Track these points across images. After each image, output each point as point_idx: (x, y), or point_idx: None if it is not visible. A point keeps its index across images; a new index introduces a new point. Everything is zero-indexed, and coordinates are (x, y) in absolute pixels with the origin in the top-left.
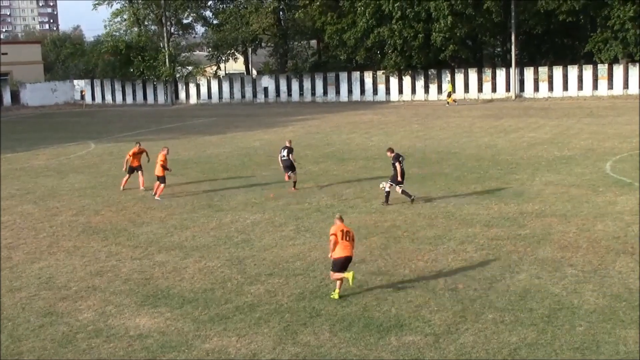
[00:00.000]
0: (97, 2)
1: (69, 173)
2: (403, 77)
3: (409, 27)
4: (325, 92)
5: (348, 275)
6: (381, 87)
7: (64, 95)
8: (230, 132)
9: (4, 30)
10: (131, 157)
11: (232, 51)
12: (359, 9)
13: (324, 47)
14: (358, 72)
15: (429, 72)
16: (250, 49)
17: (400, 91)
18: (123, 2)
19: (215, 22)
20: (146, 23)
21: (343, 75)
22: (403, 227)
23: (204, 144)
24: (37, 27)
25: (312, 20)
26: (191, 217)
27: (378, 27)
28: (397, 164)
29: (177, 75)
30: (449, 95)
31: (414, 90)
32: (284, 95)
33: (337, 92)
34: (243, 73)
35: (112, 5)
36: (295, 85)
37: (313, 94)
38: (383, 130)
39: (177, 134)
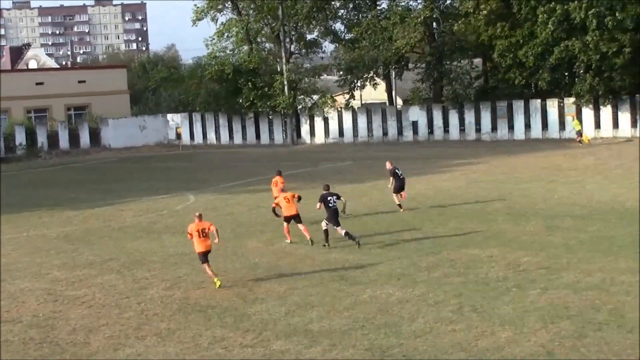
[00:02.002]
0: (197, 15)
1: (161, 234)
2: (601, 106)
3: (609, 39)
4: (494, 128)
5: (216, 280)
6: (570, 120)
7: (155, 134)
8: (368, 180)
9: (81, 52)
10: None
11: (371, 75)
12: (539, 16)
13: (492, 68)
14: (538, 101)
15: (638, 99)
16: (393, 72)
17: (598, 125)
18: (230, 14)
19: (348, 37)
20: (259, 40)
21: (518, 105)
22: (605, 309)
23: None
24: (122, 46)
25: (475, 33)
26: (318, 292)
27: (566, 40)
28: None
29: (299, 107)
30: (580, 133)
31: (616, 124)
32: (438, 132)
33: (510, 127)
34: (384, 103)
35: (216, 20)
36: (453, 119)
37: (478, 129)
38: (573, 179)
39: (300, 182)
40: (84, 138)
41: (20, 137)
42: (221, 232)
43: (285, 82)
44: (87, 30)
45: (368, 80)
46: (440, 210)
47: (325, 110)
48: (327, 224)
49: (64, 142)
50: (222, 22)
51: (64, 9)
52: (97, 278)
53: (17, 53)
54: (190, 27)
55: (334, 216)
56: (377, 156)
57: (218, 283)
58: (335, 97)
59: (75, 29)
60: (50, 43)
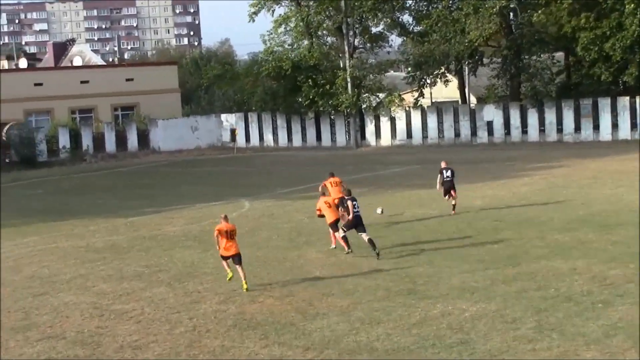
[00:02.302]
0: (254, 7)
1: (214, 244)
2: None
3: None
4: (577, 128)
5: (241, 274)
6: None
7: (207, 136)
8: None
9: (129, 47)
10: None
11: (442, 71)
12: (627, 6)
13: (575, 63)
14: (627, 98)
15: None
16: (467, 68)
17: None
18: (288, 4)
19: (416, 30)
20: (320, 34)
21: (604, 103)
22: None
23: (401, 202)
24: (173, 42)
25: (557, 24)
26: (384, 306)
27: None
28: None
29: (363, 106)
30: None
31: None
32: (516, 133)
33: (595, 127)
34: (456, 102)
35: (273, 11)
36: (532, 119)
37: (559, 130)
38: None
39: (363, 187)
40: (132, 140)
41: (64, 140)
42: (279, 241)
43: (349, 79)
44: (135, 25)
45: (439, 76)
46: (518, 217)
47: (391, 109)
48: (344, 230)
49: (110, 144)
50: (279, 15)
51: (110, 1)
52: (145, 291)
53: (61, 49)
54: (247, 22)
55: (358, 222)
56: (449, 159)
57: (229, 277)
58: (402, 96)
59: (123, 23)
60: (95, 38)
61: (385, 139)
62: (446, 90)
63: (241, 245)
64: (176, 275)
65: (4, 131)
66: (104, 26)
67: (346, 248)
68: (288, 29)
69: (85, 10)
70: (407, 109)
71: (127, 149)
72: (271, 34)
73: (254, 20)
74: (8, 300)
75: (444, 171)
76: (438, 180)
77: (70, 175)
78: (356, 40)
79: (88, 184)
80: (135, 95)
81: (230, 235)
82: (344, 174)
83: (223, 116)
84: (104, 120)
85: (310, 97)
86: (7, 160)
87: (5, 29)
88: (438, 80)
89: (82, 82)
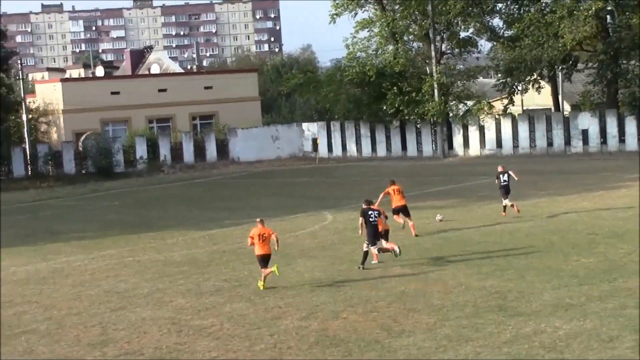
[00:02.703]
0: (336, 9)
1: (295, 257)
2: None
3: None
4: None
5: (273, 268)
6: None
7: (288, 145)
8: (530, 197)
9: (208, 54)
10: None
11: (534, 77)
12: None
13: None
14: None
15: None
16: (560, 73)
17: None
18: (372, 8)
19: (507, 34)
20: (405, 39)
21: None
22: None
23: (490, 215)
24: (253, 48)
25: None
26: (473, 323)
27: None
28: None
29: (451, 115)
30: None
31: None
32: (613, 142)
33: None
34: (549, 109)
35: (355, 15)
36: (631, 127)
37: None
38: None
39: (450, 200)
40: (210, 150)
41: (141, 150)
42: (362, 255)
43: (436, 86)
44: (214, 31)
45: (530, 83)
46: (614, 230)
47: (480, 117)
48: (368, 245)
49: (188, 154)
50: (362, 18)
51: (188, 7)
52: (225, 306)
53: (139, 56)
54: (328, 24)
55: (373, 233)
56: (541, 170)
57: (262, 286)
58: (492, 103)
59: (202, 29)
60: (174, 45)
61: (474, 149)
62: (538, 97)
63: (322, 258)
64: (256, 290)
65: (81, 141)
66: (182, 33)
67: (361, 263)
68: (372, 33)
69: (163, 17)
70: (497, 117)
71: (206, 160)
72: (354, 37)
73: (335, 22)
74: (85, 315)
75: (501, 175)
76: (496, 184)
77: (148, 187)
78: (443, 46)
79: (165, 195)
80: (214, 103)
81: (263, 238)
82: (429, 185)
83: (304, 125)
84: (181, 129)
85: (396, 105)
86: (83, 172)
87: (82, 36)
88: (530, 86)
89: (159, 90)
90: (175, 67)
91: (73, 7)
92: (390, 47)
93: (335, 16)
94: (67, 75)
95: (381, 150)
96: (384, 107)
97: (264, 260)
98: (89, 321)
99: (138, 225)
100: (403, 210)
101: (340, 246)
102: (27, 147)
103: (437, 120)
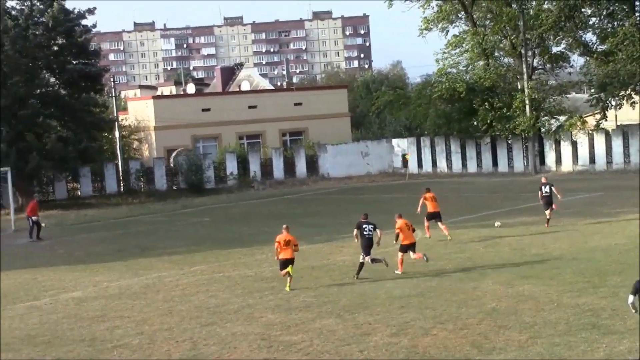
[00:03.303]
0: (425, 24)
1: (384, 274)
2: None
3: None
4: None
5: (288, 269)
6: None
7: (378, 161)
8: (624, 214)
9: (297, 71)
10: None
11: (628, 92)
12: None
13: None
14: None
15: None
16: None
17: None
18: (463, 25)
19: (600, 49)
20: (496, 54)
21: None
22: None
23: (583, 232)
24: (343, 64)
25: None
26: (566, 341)
27: None
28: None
29: (543, 130)
30: None
31: None
32: None
33: None
34: None
35: (447, 32)
36: None
37: None
38: None
39: (541, 216)
40: (300, 166)
41: (231, 166)
42: (452, 271)
43: (527, 101)
44: (304, 47)
45: (624, 98)
46: None
47: (573, 133)
48: (363, 256)
49: (278, 171)
50: (454, 35)
51: (279, 24)
52: (314, 322)
53: (229, 74)
54: (417, 36)
55: (366, 245)
56: (633, 185)
57: (288, 288)
58: (584, 118)
59: (291, 46)
60: (264, 62)
61: (566, 165)
62: (633, 112)
63: (412, 274)
64: (346, 306)
65: (172, 157)
66: (272, 49)
67: (356, 273)
68: (462, 49)
69: (253, 34)
70: (590, 132)
71: (295, 175)
72: (445, 53)
73: (424, 36)
74: (176, 330)
75: (543, 187)
76: (539, 196)
77: (238, 203)
78: (535, 61)
79: (255, 211)
80: (304, 120)
81: (287, 243)
82: (519, 201)
83: (394, 141)
84: (271, 146)
85: (487, 120)
86: (174, 188)
87: (174, 54)
88: (624, 102)
89: (250, 107)
90: (265, 84)
91: (165, 25)
92: (481, 63)
93: (424, 30)
94: (158, 93)
95: (472, 166)
96: (475, 123)
97: (286, 264)
98: (180, 336)
99: (228, 241)
100: (437, 216)
101: (431, 263)
102: (119, 163)
103: (528, 136)
